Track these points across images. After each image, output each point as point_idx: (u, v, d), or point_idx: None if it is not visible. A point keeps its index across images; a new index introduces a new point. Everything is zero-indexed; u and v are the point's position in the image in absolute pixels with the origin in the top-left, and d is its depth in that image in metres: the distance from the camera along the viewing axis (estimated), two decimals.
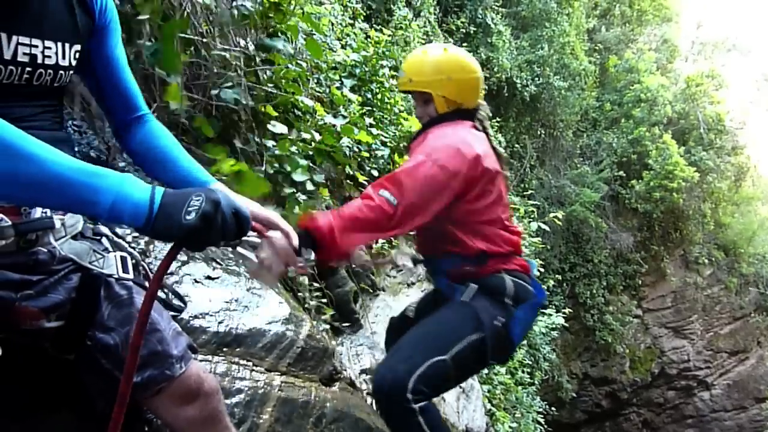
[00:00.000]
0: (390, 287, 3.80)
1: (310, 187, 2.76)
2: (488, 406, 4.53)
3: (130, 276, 1.35)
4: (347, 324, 3.20)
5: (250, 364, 1.85)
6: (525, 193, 9.67)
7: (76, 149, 1.64)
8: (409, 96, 5.63)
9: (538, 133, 12.19)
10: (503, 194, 2.14)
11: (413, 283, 4.02)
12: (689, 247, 15.12)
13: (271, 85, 2.77)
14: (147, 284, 1.37)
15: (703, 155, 13.71)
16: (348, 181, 3.65)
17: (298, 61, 2.97)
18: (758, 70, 21.17)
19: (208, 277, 1.93)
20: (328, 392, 2.09)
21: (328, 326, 2.81)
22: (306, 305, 2.73)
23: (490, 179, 2.03)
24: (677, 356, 14.11)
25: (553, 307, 7.56)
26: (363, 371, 3.05)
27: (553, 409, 8.79)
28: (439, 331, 1.97)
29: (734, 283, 16.08)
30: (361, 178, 3.61)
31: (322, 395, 2.03)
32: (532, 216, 7.60)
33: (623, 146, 13.24)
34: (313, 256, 1.61)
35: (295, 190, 2.67)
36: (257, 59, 2.73)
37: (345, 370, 2.40)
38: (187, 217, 0.93)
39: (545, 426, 7.47)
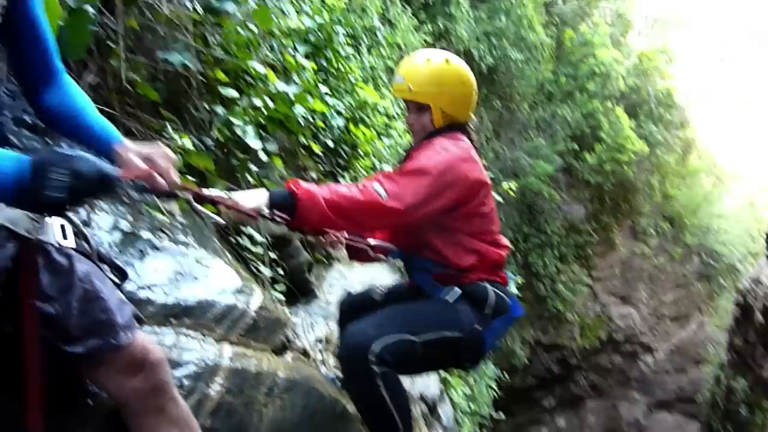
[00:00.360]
0: (345, 257, 3.79)
1: (263, 156, 2.71)
2: (442, 374, 4.63)
3: (71, 243, 1.30)
4: (301, 294, 3.19)
5: (200, 335, 1.82)
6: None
7: (9, 115, 1.56)
8: (364, 63, 5.60)
9: (495, 105, 12.26)
10: (494, 208, 2.20)
11: None
12: (637, 218, 15.65)
13: (220, 49, 2.68)
14: (90, 251, 1.35)
15: (652, 129, 14.12)
16: (302, 150, 3.59)
17: (250, 26, 2.88)
18: (708, 45, 21.76)
19: (154, 247, 1.87)
20: (281, 362, 2.09)
21: (281, 297, 2.79)
22: (259, 276, 2.70)
23: (486, 194, 2.11)
24: (624, 323, 14.70)
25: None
26: (317, 341, 3.06)
27: (505, 375, 9.06)
28: (417, 315, 2.02)
29: (679, 252, 16.78)
30: (316, 148, 3.56)
31: (274, 365, 2.02)
32: None
33: (577, 119, 13.46)
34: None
35: (247, 158, 2.61)
36: (206, 23, 2.63)
37: (298, 340, 2.39)
38: (52, 193, 1.06)
39: (498, 391, 7.70)
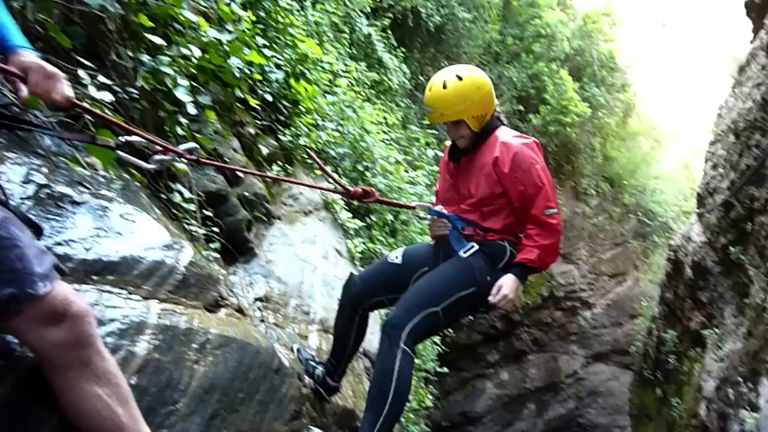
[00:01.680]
0: (286, 215, 3.73)
1: (192, 110, 2.59)
2: None
3: None
4: (240, 253, 3.12)
5: (125, 292, 1.74)
6: (427, 123, 9.72)
7: None
8: (308, 18, 5.42)
9: (442, 65, 12.18)
10: None
11: (310, 212, 3.97)
12: (579, 179, 16.08)
13: None
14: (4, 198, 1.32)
15: (595, 91, 14.39)
16: (239, 105, 3.47)
17: None
18: (650, 10, 22.19)
19: (73, 202, 1.76)
20: (214, 319, 2.04)
21: (216, 255, 2.71)
22: (193, 233, 2.61)
23: None
24: (564, 280, 15.23)
25: None
26: (257, 299, 3.02)
27: (451, 331, 9.27)
28: (437, 285, 2.41)
29: (617, 212, 17.41)
30: (253, 102, 3.44)
31: (206, 322, 1.97)
32: (432, 145, 7.69)
33: (523, 81, 13.56)
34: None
35: (176, 110, 2.48)
36: None
37: (232, 297, 2.34)
38: None
39: (443, 347, 7.87)
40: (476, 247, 2.47)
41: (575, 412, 18.28)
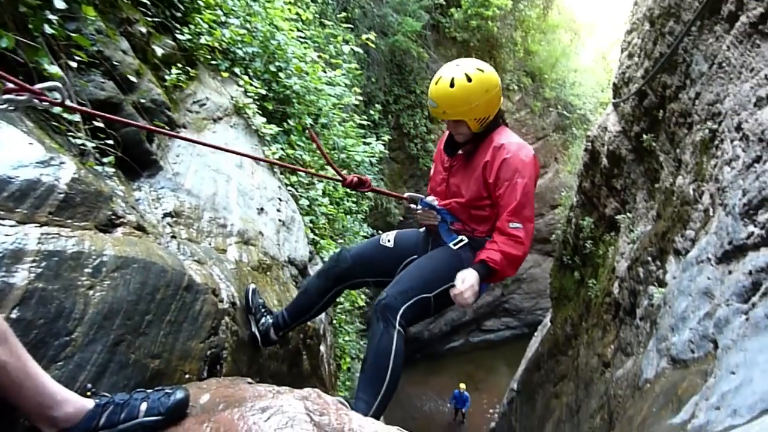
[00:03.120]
0: (193, 123, 3.45)
1: (61, 3, 2.23)
2: (311, 236, 4.60)
3: None
4: (142, 167, 2.86)
5: None
6: (347, 22, 9.25)
7: None
8: None
9: None
10: None
11: (219, 118, 3.69)
12: (502, 74, 16.05)
13: None
14: None
15: None
16: (126, 1, 3.06)
17: None
18: None
19: None
20: (108, 239, 1.85)
21: (112, 170, 2.47)
22: (82, 148, 2.34)
23: None
24: None
25: (374, 136, 7.68)
26: (166, 215, 2.82)
27: (380, 232, 9.37)
28: (430, 272, 2.42)
29: (538, 106, 17.72)
30: None
31: (99, 243, 1.79)
32: (351, 42, 7.34)
33: None
34: None
35: (40, 3, 2.13)
36: None
37: (130, 215, 2.14)
38: None
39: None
40: (465, 240, 2.54)
41: (501, 298, 19.52)
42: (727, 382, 2.47)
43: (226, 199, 3.27)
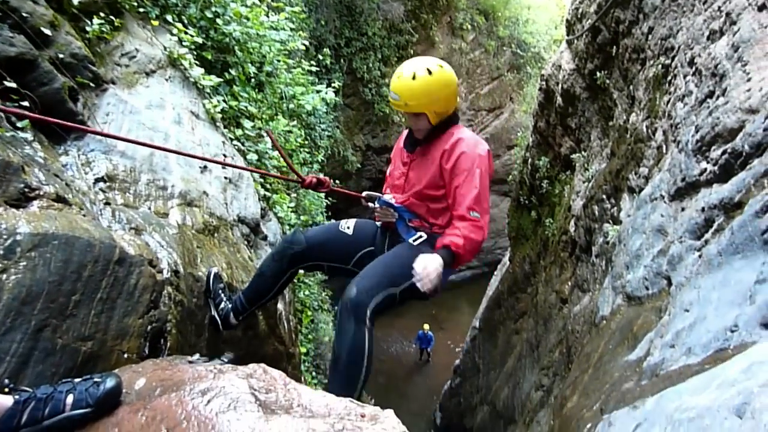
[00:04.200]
0: (122, 78, 3.17)
1: None
2: (262, 191, 4.43)
3: None
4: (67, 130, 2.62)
5: None
6: None
7: None
8: None
9: None
10: None
11: (153, 72, 3.41)
12: (455, 13, 15.71)
13: None
14: None
15: None
16: None
17: None
18: None
19: None
20: (22, 215, 1.67)
21: (28, 135, 2.24)
22: None
23: None
24: None
25: (326, 82, 7.40)
26: (98, 180, 2.61)
27: (338, 181, 9.21)
28: (395, 268, 2.44)
29: (492, 45, 17.47)
30: None
31: (11, 221, 1.61)
32: None
33: None
34: None
35: None
36: None
37: (47, 186, 1.94)
38: None
39: (333, 199, 7.79)
40: (425, 236, 2.61)
41: None
42: (681, 320, 2.49)
43: (165, 160, 3.07)
